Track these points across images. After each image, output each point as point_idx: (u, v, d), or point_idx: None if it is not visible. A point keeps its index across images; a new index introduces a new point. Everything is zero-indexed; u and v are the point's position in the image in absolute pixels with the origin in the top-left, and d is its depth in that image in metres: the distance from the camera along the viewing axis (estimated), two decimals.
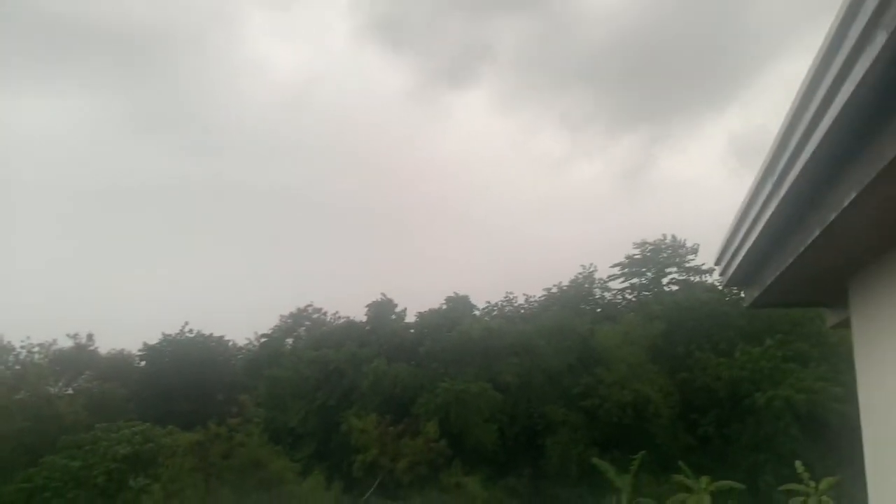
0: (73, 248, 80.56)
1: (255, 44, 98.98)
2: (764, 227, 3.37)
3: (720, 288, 45.35)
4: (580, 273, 52.78)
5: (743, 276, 4.27)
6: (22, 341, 48.57)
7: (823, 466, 30.93)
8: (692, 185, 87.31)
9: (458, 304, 45.33)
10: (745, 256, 3.90)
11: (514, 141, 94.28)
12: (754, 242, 3.63)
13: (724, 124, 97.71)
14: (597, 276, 53.03)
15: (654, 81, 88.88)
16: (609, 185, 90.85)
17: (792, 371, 37.37)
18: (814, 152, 2.53)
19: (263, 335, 52.51)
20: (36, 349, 49.19)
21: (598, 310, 51.31)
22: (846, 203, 2.53)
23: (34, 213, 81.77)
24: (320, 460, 36.63)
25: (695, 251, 51.09)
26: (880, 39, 1.83)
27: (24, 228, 78.52)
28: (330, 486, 29.34)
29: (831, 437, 35.11)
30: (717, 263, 4.56)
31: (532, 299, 53.16)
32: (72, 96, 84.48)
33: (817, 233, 2.90)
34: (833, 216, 2.68)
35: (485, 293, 61.73)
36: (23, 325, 59.09)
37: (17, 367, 46.55)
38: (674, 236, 51.48)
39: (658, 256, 51.88)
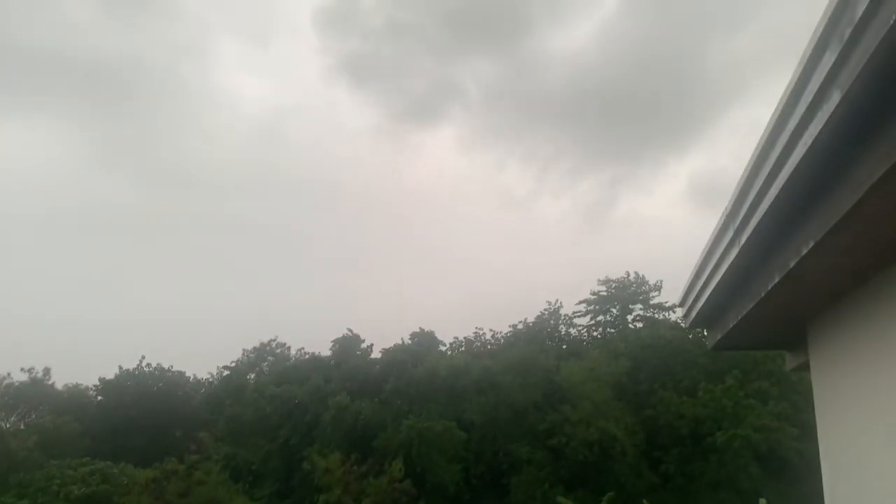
0: (33, 278, 78.80)
1: (227, 77, 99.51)
2: (726, 271, 3.45)
3: (683, 326, 45.97)
4: (546, 309, 53.09)
5: (706, 318, 4.36)
6: None
7: (784, 503, 31.24)
8: (655, 224, 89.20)
9: (424, 340, 45.16)
10: (707, 300, 3.98)
11: (481, 178, 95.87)
12: (716, 286, 3.72)
13: (687, 165, 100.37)
14: (563, 311, 53.40)
15: (618, 123, 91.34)
16: (574, 222, 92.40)
17: (752, 409, 37.78)
18: (774, 200, 2.61)
19: (225, 367, 51.59)
20: None
21: (564, 346, 51.54)
22: (805, 251, 2.61)
23: None
24: (281, 499, 35.86)
25: (658, 288, 51.82)
26: (835, 98, 1.92)
27: None
28: None
29: (791, 475, 35.49)
30: (680, 305, 4.65)
31: (498, 335, 53.25)
32: (41, 125, 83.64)
33: (777, 278, 2.99)
34: (793, 263, 2.76)
35: (452, 328, 61.97)
36: None
37: None
38: (637, 273, 52.17)
39: (623, 293, 52.44)
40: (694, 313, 4.30)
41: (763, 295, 3.25)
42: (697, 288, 4.02)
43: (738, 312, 3.76)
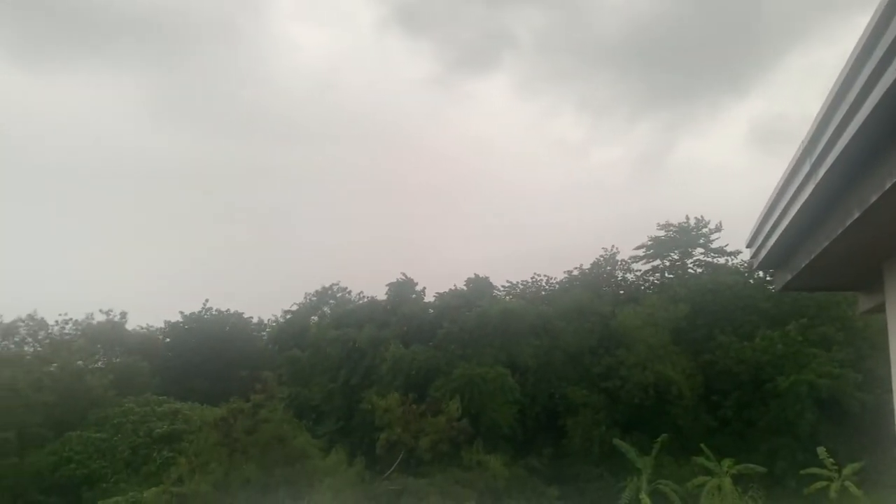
0: (102, 227, 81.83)
1: (282, 27, 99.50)
2: (800, 208, 3.31)
3: (746, 270, 44.94)
4: (602, 255, 52.46)
5: (775, 258, 4.20)
6: (56, 318, 49.72)
7: (844, 452, 30.79)
8: (713, 169, 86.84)
9: (479, 286, 45.31)
10: (778, 239, 3.84)
11: (535, 125, 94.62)
12: (789, 224, 3.57)
13: (746, 110, 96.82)
14: (619, 258, 52.71)
15: (674, 67, 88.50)
16: (630, 168, 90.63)
17: (814, 356, 37.04)
18: (856, 133, 2.47)
19: (288, 311, 53.02)
20: (68, 325, 50.32)
21: (621, 292, 51.03)
22: (889, 184, 2.47)
23: (67, 193, 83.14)
24: (342, 437, 37.06)
25: (719, 230, 50.51)
26: None
27: (57, 209, 79.90)
28: (352, 462, 29.65)
29: (851, 423, 34.87)
30: (748, 246, 4.50)
31: (553, 281, 53.03)
32: (102, 78, 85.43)
33: (856, 215, 2.84)
34: (874, 198, 2.62)
35: (506, 275, 61.70)
36: (57, 302, 60.41)
37: (47, 341, 47.61)
38: (700, 217, 50.89)
39: (682, 238, 51.38)
40: (763, 253, 4.16)
41: (839, 233, 3.11)
42: (768, 226, 3.87)
43: (810, 252, 3.62)
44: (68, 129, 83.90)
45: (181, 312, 55.30)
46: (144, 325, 57.91)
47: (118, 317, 53.68)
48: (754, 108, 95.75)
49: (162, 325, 57.32)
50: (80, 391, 39.39)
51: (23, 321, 48.28)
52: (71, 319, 50.95)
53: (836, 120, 2.59)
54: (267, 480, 26.60)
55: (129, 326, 55.73)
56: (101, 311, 52.99)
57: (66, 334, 49.98)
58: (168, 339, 56.23)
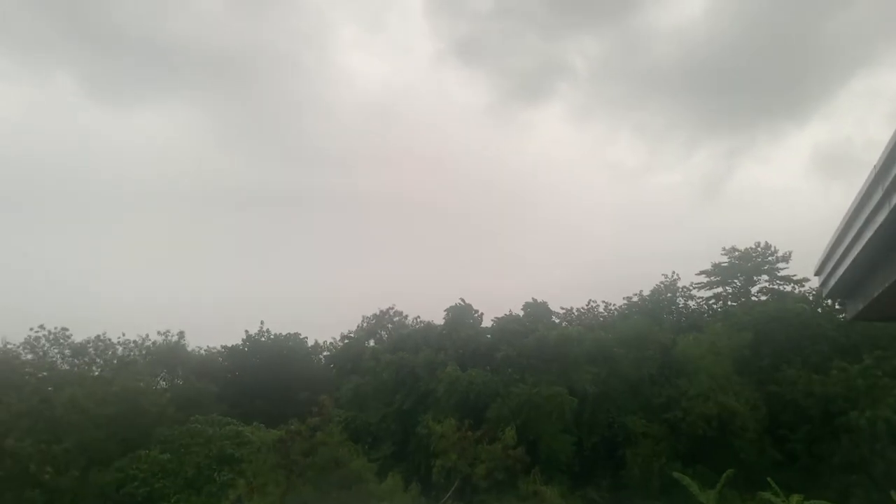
0: (168, 249, 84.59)
1: (344, 61, 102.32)
2: (872, 236, 3.19)
3: (814, 299, 43.43)
4: (662, 281, 51.59)
5: (846, 287, 4.06)
6: (119, 338, 51.37)
7: None
8: (775, 196, 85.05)
9: (536, 310, 45.00)
10: (849, 267, 3.70)
11: (592, 151, 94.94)
12: (861, 252, 3.44)
13: (808, 135, 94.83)
14: (680, 284, 51.72)
15: (732, 94, 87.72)
16: (689, 194, 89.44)
17: (889, 389, 35.36)
18: None
19: (346, 337, 53.62)
20: (132, 345, 51.92)
21: (682, 320, 50.00)
22: None
23: (133, 216, 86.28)
24: (397, 461, 37.01)
25: (786, 259, 49.18)
26: None
27: (123, 231, 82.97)
28: (408, 487, 29.55)
29: None
30: (817, 273, 4.36)
31: (612, 307, 52.32)
32: (173, 110, 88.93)
33: None
34: None
35: (563, 300, 61.34)
36: (119, 321, 62.39)
37: (115, 361, 49.16)
38: (765, 243, 49.63)
39: (746, 264, 50.14)
40: (833, 282, 4.02)
41: None
42: (838, 254, 3.74)
43: (884, 281, 3.47)
44: (138, 157, 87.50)
45: (246, 331, 56.48)
46: (204, 347, 59.34)
47: (175, 337, 55.01)
48: (817, 133, 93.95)
49: (220, 346, 58.63)
50: (142, 409, 40.39)
51: (91, 342, 50.03)
52: (133, 341, 52.53)
53: None
54: (323, 503, 26.71)
55: (189, 347, 57.15)
56: (158, 332, 54.46)
57: (131, 355, 51.55)
58: (226, 362, 57.40)
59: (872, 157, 2.98)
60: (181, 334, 55.29)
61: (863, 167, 3.08)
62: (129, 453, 37.50)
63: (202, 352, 58.31)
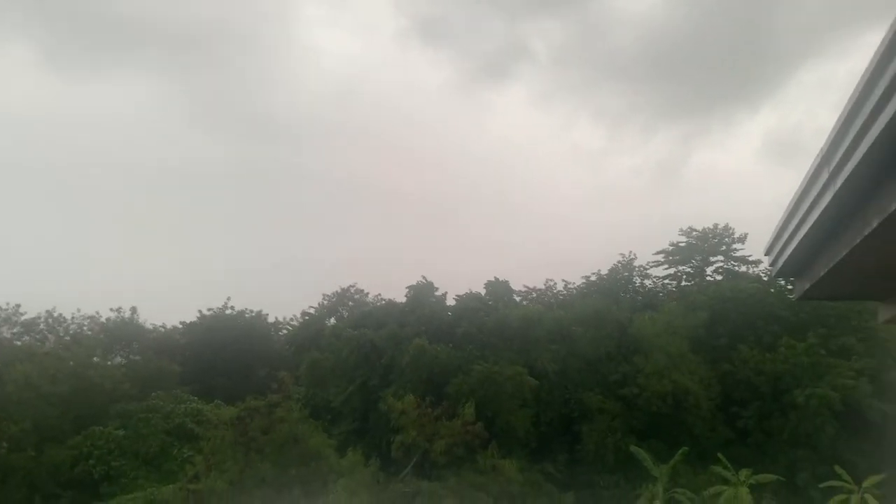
0: (125, 225, 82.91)
1: (308, 35, 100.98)
2: (818, 217, 3.29)
3: (767, 279, 44.53)
4: (619, 261, 52.29)
5: (794, 267, 4.18)
6: (72, 314, 50.30)
7: (866, 464, 30.36)
8: (729, 179, 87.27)
9: (498, 289, 45.28)
10: (797, 247, 3.82)
11: (553, 134, 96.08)
12: (807, 233, 3.56)
13: (759, 122, 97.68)
14: (636, 263, 52.50)
15: (688, 81, 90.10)
16: (647, 177, 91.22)
17: (833, 366, 36.55)
18: (874, 142, 2.46)
19: (306, 313, 53.29)
20: (86, 322, 50.90)
21: (638, 298, 50.79)
22: None
23: (86, 191, 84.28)
24: (358, 438, 37.15)
25: (742, 240, 50.20)
26: None
27: (76, 206, 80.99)
28: (368, 463, 29.72)
29: (872, 434, 34.40)
30: (766, 254, 4.48)
31: (571, 286, 52.90)
32: (132, 84, 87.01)
33: (875, 224, 2.83)
34: (894, 207, 2.61)
35: (523, 279, 61.88)
36: (73, 297, 61.13)
37: (67, 338, 48.15)
38: (723, 225, 50.59)
39: (703, 245, 51.07)
40: (781, 262, 4.14)
41: (858, 241, 3.09)
42: (786, 235, 3.86)
43: (829, 260, 3.60)
44: (96, 131, 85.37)
45: (199, 311, 55.79)
46: (160, 324, 58.35)
47: (128, 313, 53.97)
48: (768, 120, 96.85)
49: (178, 323, 57.77)
50: (97, 386, 39.71)
51: (42, 318, 48.92)
52: (88, 317, 51.47)
53: (854, 130, 2.59)
54: (282, 479, 26.73)
55: (146, 323, 56.17)
56: (111, 309, 53.37)
57: (86, 331, 50.53)
58: (184, 339, 56.65)
59: (820, 144, 3.08)
60: (133, 310, 54.31)
61: (811, 154, 3.18)
62: (83, 431, 36.93)
63: (161, 328, 57.42)
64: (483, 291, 45.04)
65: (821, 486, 29.99)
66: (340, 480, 27.19)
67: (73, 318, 50.57)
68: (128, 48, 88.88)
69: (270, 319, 59.96)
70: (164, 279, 73.94)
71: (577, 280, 52.77)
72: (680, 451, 31.87)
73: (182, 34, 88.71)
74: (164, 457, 36.64)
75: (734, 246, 50.65)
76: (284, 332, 58.69)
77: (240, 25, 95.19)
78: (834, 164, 2.89)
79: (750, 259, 49.90)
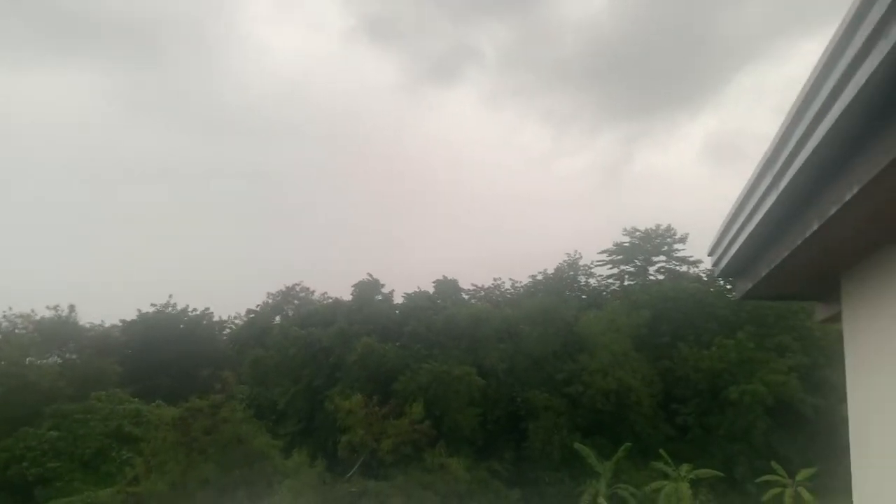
0: (65, 220, 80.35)
1: (255, 31, 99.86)
2: (761, 219, 3.36)
3: (708, 279, 45.69)
4: (565, 260, 53.02)
5: (736, 267, 4.27)
6: (4, 311, 48.33)
7: (800, 458, 31.48)
8: (670, 181, 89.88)
9: (446, 287, 45.37)
10: (740, 248, 3.89)
11: (500, 135, 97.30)
12: (750, 234, 3.63)
13: (700, 126, 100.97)
14: (582, 263, 53.33)
15: (632, 85, 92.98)
16: (591, 178, 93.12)
17: (765, 363, 37.74)
18: (817, 145, 2.52)
19: (251, 311, 52.43)
20: (19, 320, 48.95)
21: (584, 297, 51.57)
22: (848, 197, 2.53)
23: (26, 185, 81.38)
24: (304, 438, 36.75)
25: (683, 240, 51.42)
26: (894, 34, 1.82)
27: (16, 199, 78.13)
28: (314, 463, 29.42)
29: (806, 429, 35.68)
30: (710, 254, 4.56)
31: (518, 285, 53.38)
32: (76, 77, 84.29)
33: (816, 226, 2.90)
34: (833, 210, 2.68)
35: (472, 278, 62.19)
36: (6, 294, 58.67)
37: None
38: (665, 225, 51.71)
39: (647, 245, 52.12)
40: (724, 262, 4.22)
41: (799, 243, 3.17)
42: (730, 235, 3.94)
43: (771, 261, 3.68)
44: (34, 123, 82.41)
45: (138, 310, 54.34)
46: (99, 322, 56.55)
47: (66, 311, 52.20)
48: (708, 123, 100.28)
49: (118, 322, 56.09)
50: (31, 385, 38.33)
51: None
52: (20, 315, 49.48)
53: (796, 136, 2.65)
54: (225, 481, 26.26)
55: (84, 322, 54.42)
56: (47, 307, 51.54)
57: (19, 329, 48.61)
58: (123, 337, 55.10)
59: (758, 147, 3.15)
60: (72, 308, 52.56)
61: (749, 156, 3.25)
62: (14, 433, 35.59)
63: (100, 326, 55.64)
64: (432, 290, 45.08)
65: (757, 480, 30.96)
66: (286, 481, 26.86)
67: (4, 315, 48.64)
68: (71, 41, 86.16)
69: (216, 318, 58.86)
70: (104, 276, 71.88)
71: (524, 279, 53.32)
72: (622, 448, 32.48)
73: (126, 28, 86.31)
74: (102, 459, 35.57)
75: (676, 246, 51.89)
76: (228, 330, 57.67)
77: (185, 20, 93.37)
78: (777, 168, 2.95)
79: (691, 259, 51.20)
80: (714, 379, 39.04)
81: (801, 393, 36.15)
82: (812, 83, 2.45)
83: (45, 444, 35.11)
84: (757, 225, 3.44)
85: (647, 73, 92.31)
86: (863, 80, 2.06)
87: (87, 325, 54.21)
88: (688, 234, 51.35)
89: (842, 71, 2.17)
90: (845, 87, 2.18)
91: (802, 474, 29.24)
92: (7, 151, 78.40)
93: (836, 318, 4.11)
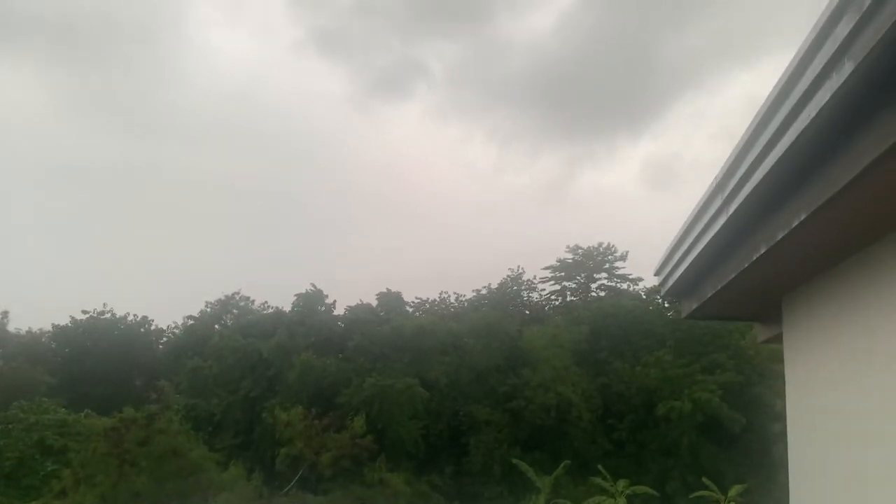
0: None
1: (201, 35, 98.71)
2: (710, 241, 3.46)
3: (647, 296, 46.70)
4: (508, 275, 53.53)
5: (683, 287, 4.38)
6: None
7: (732, 473, 32.28)
8: (611, 201, 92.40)
9: (390, 300, 45.20)
10: (687, 269, 4.00)
11: (447, 151, 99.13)
12: (698, 255, 3.73)
13: (640, 149, 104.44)
14: (525, 278, 53.90)
15: (575, 106, 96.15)
16: (535, 196, 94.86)
17: (695, 381, 38.67)
18: (768, 172, 2.61)
19: (189, 318, 51.22)
20: None
21: (527, 312, 52.05)
22: (795, 223, 2.63)
23: None
24: (242, 451, 35.96)
25: (624, 258, 52.45)
26: (847, 68, 1.91)
27: None
28: (250, 477, 28.82)
29: (737, 446, 36.69)
30: (656, 274, 4.66)
31: (462, 298, 53.57)
32: (16, 76, 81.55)
33: (763, 250, 3.01)
34: (781, 234, 2.78)
35: (415, 291, 62.20)
36: None
37: None
38: (606, 243, 52.68)
39: (588, 262, 52.98)
40: (671, 282, 4.32)
41: (746, 266, 3.28)
42: (677, 257, 4.04)
43: (717, 282, 3.79)
44: None
45: (71, 317, 52.45)
46: (25, 329, 54.35)
47: None
48: (648, 147, 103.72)
49: (51, 326, 54.07)
50: None
51: None
52: None
53: (747, 162, 2.75)
54: (159, 494, 25.48)
55: (13, 328, 52.35)
56: None
57: None
58: (54, 344, 53.13)
59: (694, 172, 3.25)
60: (5, 314, 50.57)
61: (686, 181, 3.36)
62: None
63: (31, 332, 53.50)
64: (374, 303, 44.85)
65: (691, 496, 31.57)
66: (221, 494, 26.23)
67: None
68: (10, 37, 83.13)
69: (154, 327, 57.23)
70: (39, 281, 69.35)
71: (468, 293, 53.55)
72: (562, 465, 32.75)
73: (70, 26, 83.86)
74: (24, 471, 34.07)
75: (616, 264, 52.88)
76: (164, 340, 56.18)
77: (130, 20, 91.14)
78: (727, 192, 3.05)
79: (631, 277, 52.22)
80: (648, 395, 39.81)
81: (727, 410, 37.12)
82: (764, 113, 2.55)
83: None
84: (705, 247, 3.54)
85: (590, 97, 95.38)
86: (814, 112, 2.15)
87: (14, 331, 52.16)
88: (628, 251, 52.47)
89: (793, 103, 2.27)
90: (796, 118, 2.28)
91: (734, 490, 29.96)
92: None
93: (777, 338, 4.26)
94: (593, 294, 53.24)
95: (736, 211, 3.02)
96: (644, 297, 48.44)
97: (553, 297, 54.88)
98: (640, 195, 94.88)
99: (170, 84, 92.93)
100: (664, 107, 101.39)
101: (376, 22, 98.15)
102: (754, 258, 3.14)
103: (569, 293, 54.24)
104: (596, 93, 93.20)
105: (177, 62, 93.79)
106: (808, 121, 2.20)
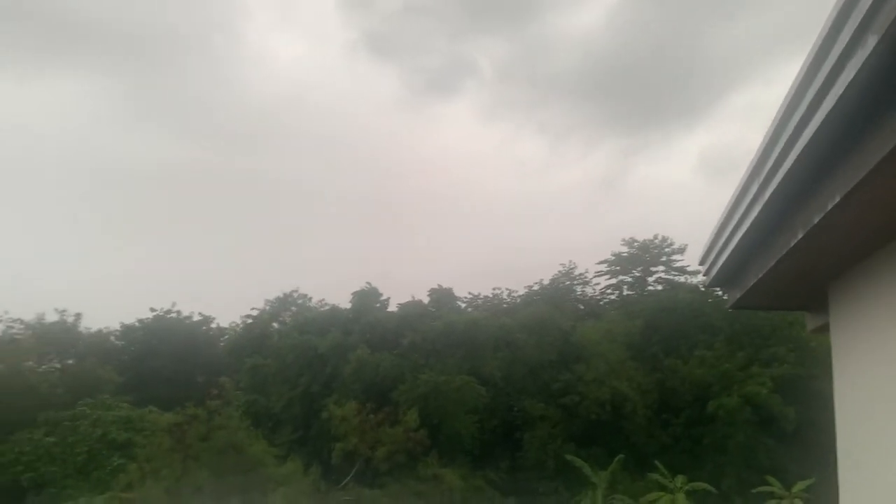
0: (70, 227, 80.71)
1: (257, 43, 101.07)
2: (748, 228, 3.38)
3: (703, 289, 45.74)
4: (560, 271, 53.14)
5: (726, 276, 4.29)
6: (1, 314, 48.22)
7: (795, 469, 31.41)
8: (668, 193, 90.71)
9: (442, 296, 45.36)
10: (728, 257, 3.91)
11: (498, 148, 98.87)
12: (738, 243, 3.65)
13: (696, 140, 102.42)
14: (577, 273, 53.46)
15: (628, 98, 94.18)
16: (588, 191, 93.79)
17: (752, 375, 37.70)
18: (800, 154, 2.54)
19: (248, 316, 52.38)
20: (16, 324, 48.83)
21: (581, 307, 51.59)
22: (830, 206, 2.55)
23: (31, 192, 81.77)
24: (300, 446, 36.63)
25: (682, 251, 51.46)
26: (871, 42, 1.84)
27: (21, 206, 78.48)
28: (308, 471, 29.32)
29: (798, 441, 35.65)
30: (701, 264, 4.58)
31: (515, 294, 53.39)
32: (78, 85, 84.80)
33: (801, 234, 2.92)
34: (817, 218, 2.70)
35: (467, 288, 62.43)
36: (12, 299, 58.92)
37: None
38: (662, 236, 51.76)
39: (645, 255, 52.16)
40: (714, 271, 4.24)
41: (785, 252, 3.18)
42: (719, 245, 3.96)
43: (758, 270, 3.70)
44: (41, 132, 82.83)
45: (138, 320, 54.34)
46: (103, 328, 56.43)
47: (72, 317, 52.29)
48: (703, 138, 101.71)
49: (119, 326, 56.00)
50: (28, 391, 38.22)
51: None
52: (18, 319, 49.40)
53: (781, 142, 2.67)
54: (220, 488, 26.17)
55: (83, 327, 54.34)
56: (56, 310, 51.69)
57: (16, 334, 48.47)
58: (121, 342, 55.03)
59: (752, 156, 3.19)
60: (78, 315, 52.60)
61: (743, 170, 3.30)
62: (10, 437, 35.48)
63: (101, 331, 55.44)
64: (426, 299, 45.09)
65: (753, 491, 30.84)
66: (280, 489, 26.77)
67: (1, 320, 48.50)
68: (72, 51, 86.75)
69: (215, 325, 58.81)
70: (109, 283, 72.14)
71: (521, 290, 53.37)
72: (616, 459, 32.39)
73: (130, 36, 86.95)
74: (94, 465, 35.44)
75: (674, 257, 51.91)
76: (225, 338, 57.56)
77: (188, 30, 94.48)
78: (762, 177, 2.97)
79: (689, 269, 51.17)
80: (701, 390, 39.05)
81: (780, 404, 36.08)
82: (793, 94, 2.48)
83: (41, 449, 35.01)
84: (744, 234, 3.46)
85: (642, 89, 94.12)
86: (842, 89, 2.08)
87: (84, 331, 54.16)
88: (686, 244, 51.43)
89: (822, 81, 2.20)
90: (825, 96, 2.21)
91: (798, 486, 29.15)
92: (11, 156, 78.77)
93: (825, 327, 4.13)
94: (650, 288, 52.40)
95: (771, 196, 2.94)
96: (703, 289, 47.45)
97: (609, 291, 54.24)
98: (696, 187, 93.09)
99: (229, 90, 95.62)
100: (718, 97, 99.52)
101: (425, 22, 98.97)
102: (792, 244, 3.05)
103: (625, 287, 53.52)
104: (648, 85, 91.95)
105: (235, 68, 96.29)
106: (837, 97, 2.12)
